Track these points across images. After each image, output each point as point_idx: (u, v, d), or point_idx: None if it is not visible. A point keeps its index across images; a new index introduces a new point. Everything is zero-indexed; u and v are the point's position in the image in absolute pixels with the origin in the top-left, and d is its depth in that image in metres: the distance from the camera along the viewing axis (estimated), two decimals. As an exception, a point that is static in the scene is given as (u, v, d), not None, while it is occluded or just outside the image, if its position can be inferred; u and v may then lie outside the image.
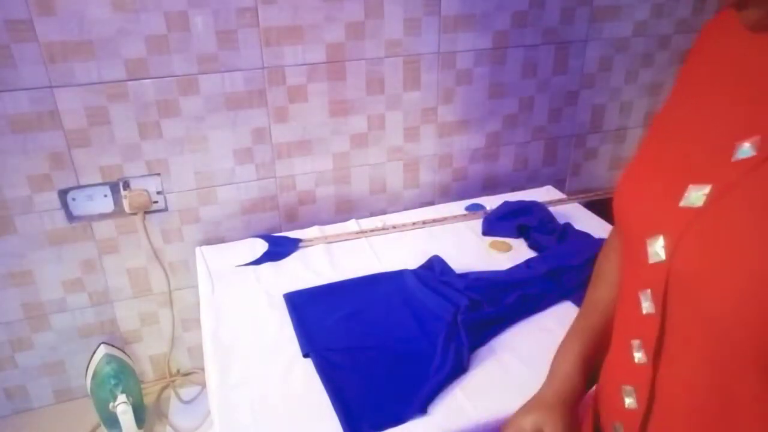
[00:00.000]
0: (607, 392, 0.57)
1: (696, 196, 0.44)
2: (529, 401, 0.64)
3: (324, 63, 1.26)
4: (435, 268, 1.13)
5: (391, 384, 0.87)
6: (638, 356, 0.49)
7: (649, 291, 0.47)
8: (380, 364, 0.91)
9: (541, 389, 0.65)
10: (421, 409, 0.82)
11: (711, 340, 0.42)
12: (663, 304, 0.46)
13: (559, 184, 1.60)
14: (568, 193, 1.56)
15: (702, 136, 0.48)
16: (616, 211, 0.54)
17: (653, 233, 0.47)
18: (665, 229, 0.46)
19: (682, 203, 0.44)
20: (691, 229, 0.43)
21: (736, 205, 0.41)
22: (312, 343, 0.95)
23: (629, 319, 0.51)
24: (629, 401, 0.50)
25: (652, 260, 0.46)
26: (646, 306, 0.47)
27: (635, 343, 0.49)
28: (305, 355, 0.93)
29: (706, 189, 0.43)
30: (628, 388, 0.50)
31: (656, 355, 0.47)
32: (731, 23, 0.47)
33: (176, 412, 1.42)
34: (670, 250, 0.45)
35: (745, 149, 0.42)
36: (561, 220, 1.31)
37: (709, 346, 0.42)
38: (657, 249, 0.47)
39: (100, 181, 1.22)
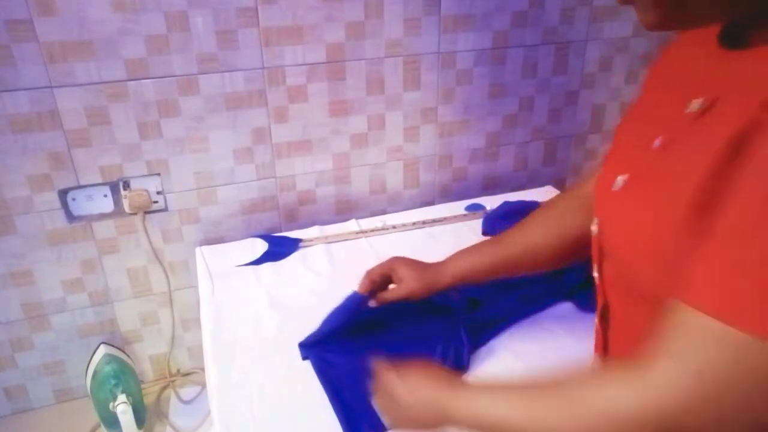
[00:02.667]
0: None
1: (618, 182, 0.56)
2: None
3: (324, 63, 1.26)
4: None
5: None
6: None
7: (595, 263, 0.63)
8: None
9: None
10: None
11: (626, 292, 0.57)
12: (600, 270, 0.61)
13: (559, 184, 1.60)
14: (568, 193, 1.56)
15: (634, 132, 0.60)
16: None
17: (595, 214, 0.62)
18: (599, 209, 0.62)
19: (613, 188, 0.57)
20: (608, 208, 0.58)
21: (636, 187, 0.54)
22: (310, 346, 0.94)
23: None
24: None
25: (593, 236, 0.61)
26: (595, 274, 0.63)
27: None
28: (304, 358, 0.93)
29: (625, 176, 0.56)
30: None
31: (603, 314, 0.62)
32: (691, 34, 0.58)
33: (176, 412, 1.42)
34: (599, 227, 0.59)
35: (656, 143, 0.53)
36: (561, 220, 1.31)
37: (627, 299, 0.57)
38: (593, 227, 0.62)
39: (100, 181, 1.22)
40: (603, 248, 0.59)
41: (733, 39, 0.51)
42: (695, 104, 0.48)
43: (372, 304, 0.90)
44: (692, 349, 0.41)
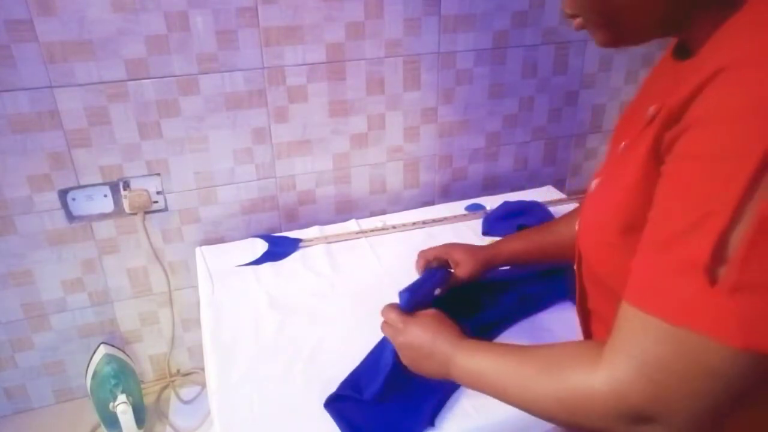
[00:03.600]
0: None
1: (593, 185, 0.63)
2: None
3: (324, 63, 1.26)
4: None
5: (396, 397, 0.84)
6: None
7: (576, 259, 0.67)
8: (385, 376, 0.86)
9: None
10: (429, 422, 0.81)
11: (596, 285, 0.64)
12: (578, 265, 0.67)
13: (559, 184, 1.60)
14: (568, 193, 1.56)
15: (614, 136, 0.66)
16: None
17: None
18: (581, 209, 0.68)
19: (589, 190, 0.63)
20: (583, 208, 0.64)
21: (599, 189, 0.61)
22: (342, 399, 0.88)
23: None
24: None
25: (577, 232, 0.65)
26: (575, 267, 0.68)
27: None
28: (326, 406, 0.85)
29: (598, 179, 0.62)
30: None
31: (582, 304, 0.68)
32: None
33: (176, 412, 1.42)
34: (578, 226, 0.64)
35: (621, 147, 0.57)
36: (561, 220, 1.31)
37: (599, 290, 0.63)
38: (577, 225, 0.66)
39: (100, 181, 1.22)
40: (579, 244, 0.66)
41: (681, 49, 0.55)
42: (651, 110, 0.51)
43: (437, 292, 0.91)
44: (636, 344, 0.45)
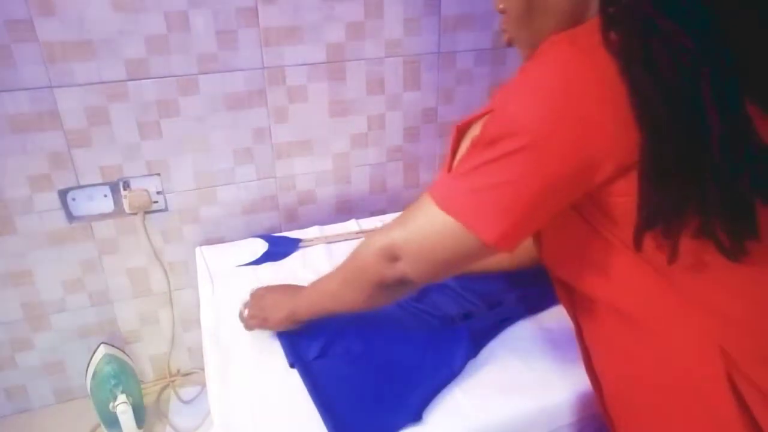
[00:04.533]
0: None
1: None
2: None
3: (324, 63, 1.26)
4: None
5: (382, 392, 0.84)
6: None
7: None
8: (370, 371, 0.87)
9: None
10: (416, 417, 0.80)
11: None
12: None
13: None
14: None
15: None
16: None
17: None
18: None
19: None
20: None
21: None
22: (297, 352, 0.92)
23: None
24: None
25: None
26: None
27: None
28: (291, 366, 0.90)
29: None
30: None
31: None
32: None
33: (176, 412, 1.42)
34: None
35: None
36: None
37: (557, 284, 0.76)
38: None
39: (100, 181, 1.22)
40: None
41: None
42: None
43: None
44: (413, 210, 0.65)
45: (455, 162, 0.62)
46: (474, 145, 0.60)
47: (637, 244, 0.57)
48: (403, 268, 0.67)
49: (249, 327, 0.96)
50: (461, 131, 0.65)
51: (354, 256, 0.76)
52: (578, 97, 0.53)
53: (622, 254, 0.60)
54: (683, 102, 0.51)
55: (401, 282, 0.69)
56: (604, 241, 0.61)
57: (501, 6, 0.68)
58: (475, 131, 0.61)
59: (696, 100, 0.51)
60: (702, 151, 0.52)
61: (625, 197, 0.56)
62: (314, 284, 0.87)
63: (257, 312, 0.94)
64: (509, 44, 0.71)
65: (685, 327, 0.60)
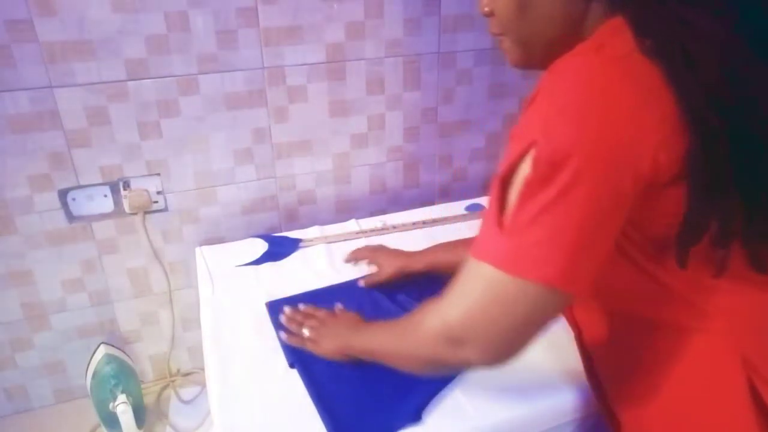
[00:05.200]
0: None
1: None
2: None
3: (324, 63, 1.26)
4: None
5: (381, 392, 0.84)
6: None
7: None
8: (370, 371, 0.86)
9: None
10: (415, 417, 0.80)
11: None
12: None
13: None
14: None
15: None
16: None
17: None
18: None
19: None
20: None
21: None
22: (297, 353, 0.92)
23: None
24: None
25: None
26: None
27: None
28: (291, 366, 0.91)
29: None
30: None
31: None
32: None
33: (176, 412, 1.42)
34: None
35: None
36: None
37: None
38: None
39: (100, 181, 1.22)
40: None
41: None
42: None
43: (360, 283, 1.08)
44: (461, 282, 0.57)
45: (506, 215, 0.53)
46: (528, 189, 0.52)
47: (683, 260, 0.54)
48: (468, 354, 0.58)
49: (299, 344, 0.93)
50: (505, 180, 0.54)
51: (408, 332, 0.68)
52: (621, 107, 0.49)
53: (639, 265, 0.58)
54: (730, 101, 0.49)
55: (466, 364, 0.62)
56: (620, 249, 0.58)
57: (486, 9, 0.64)
58: (522, 174, 0.52)
59: (743, 101, 0.49)
60: (751, 155, 0.50)
61: (664, 209, 0.53)
62: (375, 332, 0.82)
63: (314, 334, 0.92)
64: (504, 50, 0.66)
65: (707, 334, 0.59)
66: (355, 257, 1.15)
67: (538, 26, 0.60)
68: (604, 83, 0.50)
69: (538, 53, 0.62)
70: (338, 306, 1.00)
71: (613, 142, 0.49)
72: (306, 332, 0.92)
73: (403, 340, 0.70)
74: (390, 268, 1.06)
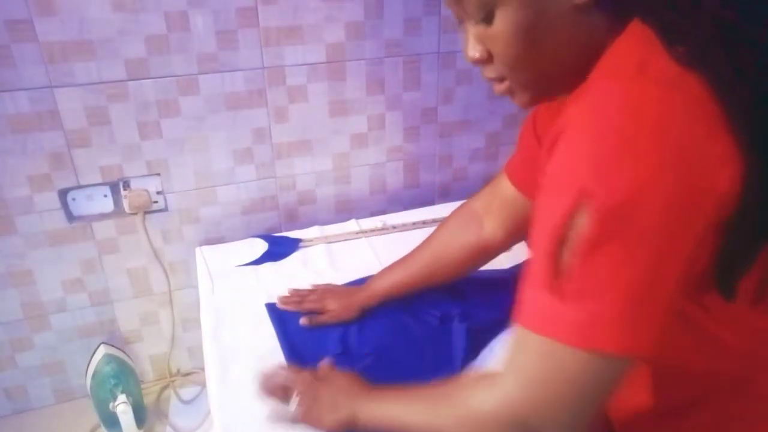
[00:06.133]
0: None
1: None
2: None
3: (324, 63, 1.26)
4: None
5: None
6: None
7: None
8: (369, 371, 0.85)
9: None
10: None
11: None
12: None
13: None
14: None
15: None
16: None
17: None
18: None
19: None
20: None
21: None
22: (297, 355, 0.92)
23: None
24: None
25: None
26: None
27: None
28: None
29: None
30: None
31: None
32: None
33: (176, 412, 1.42)
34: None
35: None
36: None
37: None
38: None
39: (100, 181, 1.22)
40: None
41: None
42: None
43: (303, 321, 0.98)
44: (520, 359, 0.50)
45: (563, 279, 0.46)
46: (591, 248, 0.44)
47: (730, 292, 0.50)
48: None
49: (298, 421, 0.74)
50: (560, 240, 0.46)
51: (447, 407, 0.58)
52: (690, 142, 0.43)
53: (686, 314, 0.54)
54: None
55: None
56: None
57: (478, 55, 0.54)
58: (577, 230, 0.44)
59: None
60: None
61: (710, 238, 0.47)
62: (389, 401, 0.67)
63: (309, 410, 0.73)
64: (510, 93, 0.57)
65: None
66: (300, 307, 1.01)
67: (548, 59, 0.53)
68: (665, 113, 0.43)
69: (552, 87, 0.56)
70: (325, 363, 0.81)
71: (686, 183, 0.42)
72: (293, 406, 0.74)
73: (438, 416, 0.58)
74: (340, 311, 0.98)
